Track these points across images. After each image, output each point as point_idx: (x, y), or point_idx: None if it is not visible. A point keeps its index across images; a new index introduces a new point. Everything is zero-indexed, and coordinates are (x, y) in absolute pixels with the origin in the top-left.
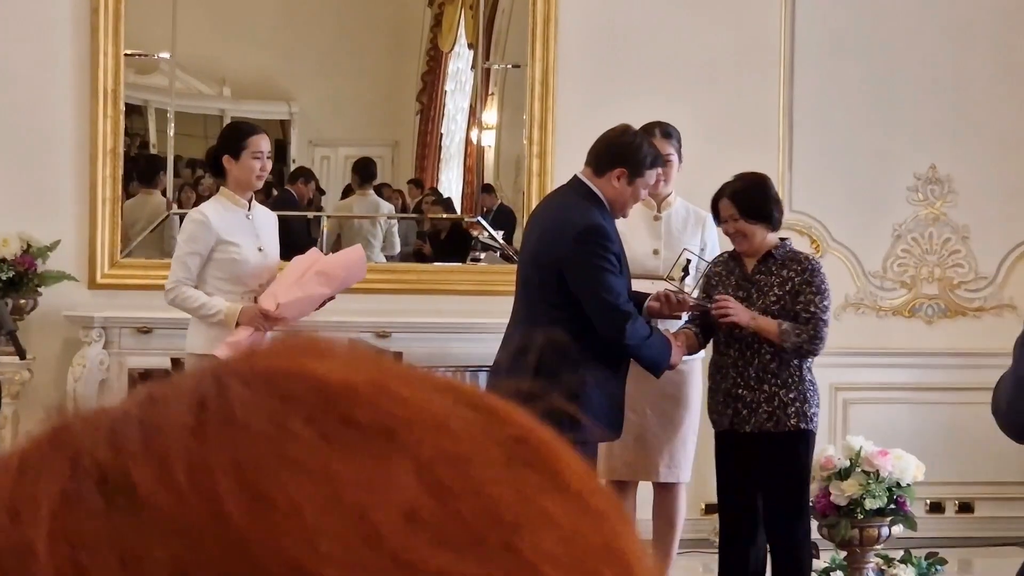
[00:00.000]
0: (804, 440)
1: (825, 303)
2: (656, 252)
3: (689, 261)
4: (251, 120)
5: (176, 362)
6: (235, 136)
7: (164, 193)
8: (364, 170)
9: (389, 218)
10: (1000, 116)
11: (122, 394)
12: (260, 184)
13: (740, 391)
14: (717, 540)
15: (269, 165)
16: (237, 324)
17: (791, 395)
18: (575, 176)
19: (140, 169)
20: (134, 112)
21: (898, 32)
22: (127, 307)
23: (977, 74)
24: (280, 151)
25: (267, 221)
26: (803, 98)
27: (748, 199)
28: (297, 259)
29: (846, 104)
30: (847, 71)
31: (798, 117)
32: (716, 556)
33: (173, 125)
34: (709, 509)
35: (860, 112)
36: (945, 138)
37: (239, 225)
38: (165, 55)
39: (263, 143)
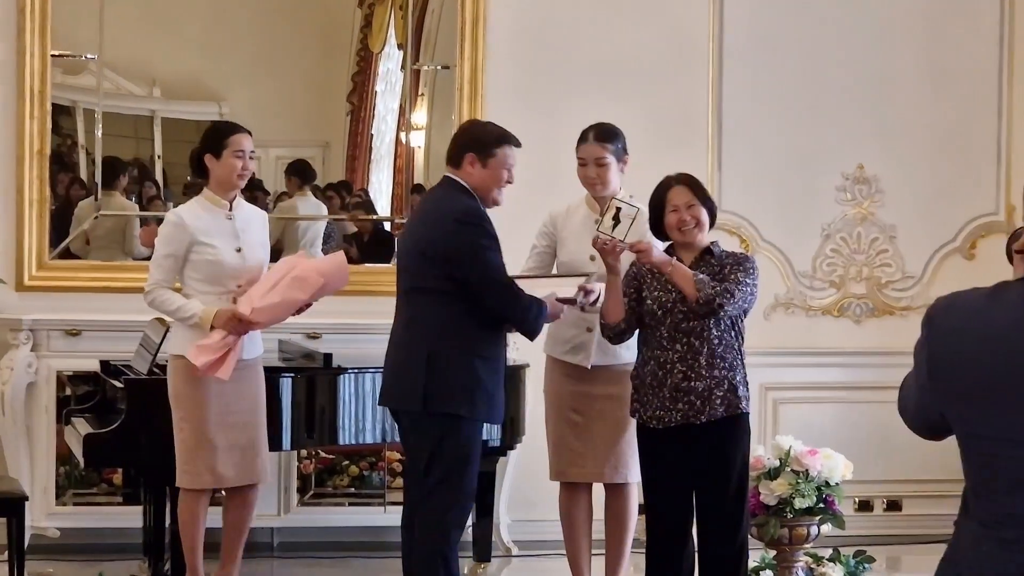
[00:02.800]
0: (747, 423)
1: (747, 280)
2: (593, 258)
3: (619, 209)
4: (182, 120)
5: (105, 364)
6: (217, 135)
7: (125, 195)
8: (303, 172)
9: (336, 220)
10: (926, 116)
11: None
12: (242, 183)
13: (692, 383)
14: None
15: (252, 165)
16: (211, 327)
17: (737, 378)
18: (444, 175)
19: (100, 171)
20: (63, 113)
21: (825, 33)
22: (55, 309)
23: (903, 74)
24: None
25: (253, 222)
26: (731, 98)
27: (701, 187)
28: (281, 262)
29: (774, 104)
30: (775, 71)
31: (727, 117)
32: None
33: (101, 126)
34: (638, 509)
35: (788, 112)
36: (872, 138)
37: (217, 226)
38: (93, 56)
39: (245, 142)
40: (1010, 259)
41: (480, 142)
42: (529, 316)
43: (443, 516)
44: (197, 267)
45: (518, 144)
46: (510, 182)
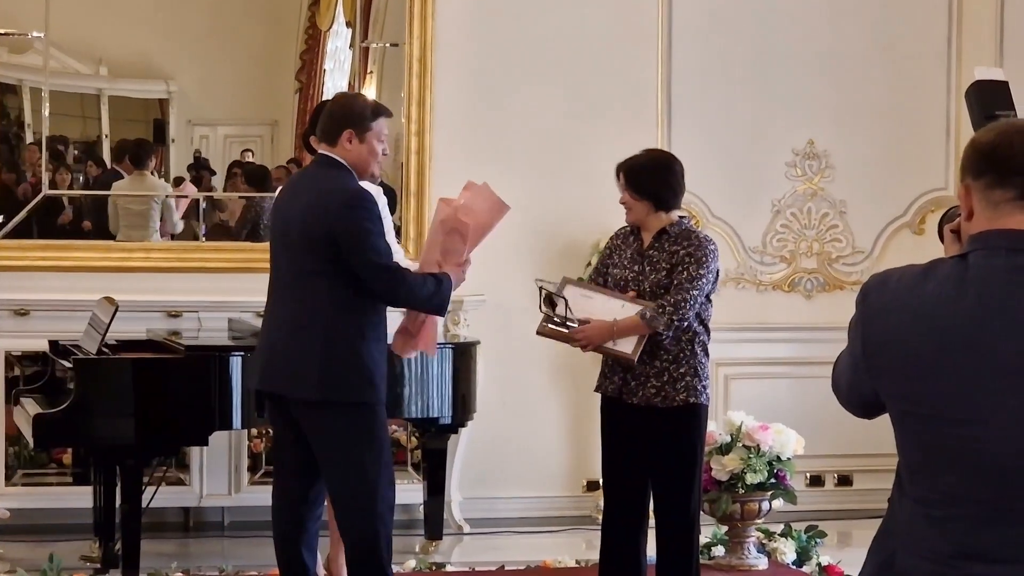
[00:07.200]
0: (695, 414)
1: (700, 271)
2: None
3: (551, 295)
4: (129, 99)
5: (54, 344)
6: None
7: (153, 174)
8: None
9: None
10: (876, 92)
11: None
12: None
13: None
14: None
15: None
16: None
17: (681, 370)
18: (319, 152)
19: (132, 151)
20: (9, 91)
21: (775, 8)
22: (3, 289)
23: (853, 50)
24: (159, 130)
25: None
26: (681, 74)
27: (638, 174)
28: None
29: (724, 80)
30: (725, 47)
31: (676, 93)
32: (598, 533)
33: (48, 105)
34: (591, 486)
35: (738, 88)
36: (823, 113)
37: None
38: (39, 34)
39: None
40: (941, 238)
41: (357, 116)
42: (424, 296)
43: (373, 506)
44: None
45: (390, 114)
46: (386, 154)
